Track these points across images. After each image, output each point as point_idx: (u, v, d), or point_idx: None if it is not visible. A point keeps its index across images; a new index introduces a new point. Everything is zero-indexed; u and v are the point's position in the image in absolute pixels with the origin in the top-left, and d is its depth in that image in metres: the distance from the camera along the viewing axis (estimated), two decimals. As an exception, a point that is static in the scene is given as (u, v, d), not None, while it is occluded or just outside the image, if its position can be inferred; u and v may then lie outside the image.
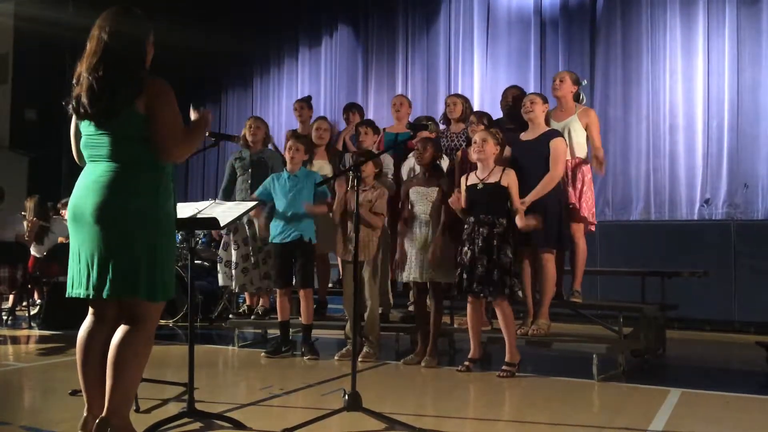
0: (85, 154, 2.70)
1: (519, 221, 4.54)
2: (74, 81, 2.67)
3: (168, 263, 2.68)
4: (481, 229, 4.62)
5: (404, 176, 5.62)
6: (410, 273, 4.96)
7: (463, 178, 4.89)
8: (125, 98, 2.58)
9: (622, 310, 5.10)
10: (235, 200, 5.83)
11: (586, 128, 5.11)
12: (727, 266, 7.28)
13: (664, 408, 3.72)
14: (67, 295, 2.69)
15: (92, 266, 2.59)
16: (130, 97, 2.58)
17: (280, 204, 5.26)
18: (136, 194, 2.60)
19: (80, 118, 2.66)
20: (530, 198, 4.70)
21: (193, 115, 2.92)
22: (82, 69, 2.65)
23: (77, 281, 2.64)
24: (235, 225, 5.94)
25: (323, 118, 6.24)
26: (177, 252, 7.72)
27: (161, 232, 2.64)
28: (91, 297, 2.61)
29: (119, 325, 2.69)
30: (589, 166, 5.18)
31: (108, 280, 2.57)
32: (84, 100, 2.60)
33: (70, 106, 2.67)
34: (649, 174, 8.40)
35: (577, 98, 5.26)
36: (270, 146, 6.32)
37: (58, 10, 10.49)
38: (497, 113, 5.82)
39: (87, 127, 2.66)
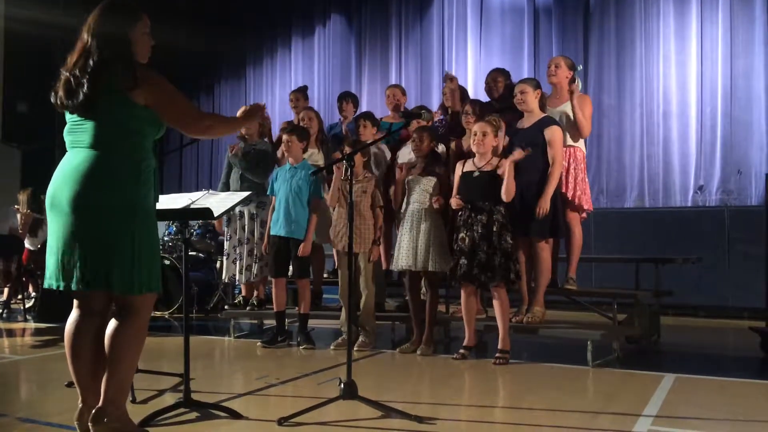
0: (66, 140, 2.69)
1: (514, 156, 4.60)
2: (60, 76, 2.67)
3: (146, 256, 2.62)
4: (479, 216, 4.63)
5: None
6: (404, 262, 4.96)
7: (459, 164, 4.89)
8: (108, 93, 2.57)
9: (617, 296, 5.13)
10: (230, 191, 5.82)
11: (579, 107, 5.08)
12: (720, 252, 7.32)
13: (659, 393, 3.75)
14: (44, 286, 2.68)
15: (66, 257, 2.57)
16: (117, 90, 2.57)
17: (280, 194, 5.28)
18: (114, 184, 2.58)
19: (60, 109, 2.68)
20: (546, 200, 4.70)
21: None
22: (64, 67, 2.66)
23: (52, 272, 2.61)
24: (228, 216, 5.95)
25: (308, 108, 6.21)
26: (171, 243, 7.72)
27: (138, 224, 2.60)
28: (62, 288, 2.58)
29: (107, 316, 2.69)
30: (584, 153, 5.18)
31: (80, 272, 2.55)
32: (61, 93, 2.63)
33: (51, 99, 2.68)
34: (643, 161, 8.43)
35: (572, 83, 5.23)
36: (266, 138, 6.30)
37: (49, 2, 10.41)
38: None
39: (71, 114, 2.66)
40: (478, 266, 4.58)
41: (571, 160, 5.07)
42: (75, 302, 2.72)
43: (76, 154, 2.63)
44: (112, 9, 2.70)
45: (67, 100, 2.60)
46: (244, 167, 5.92)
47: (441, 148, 5.34)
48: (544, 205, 4.72)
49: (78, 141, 2.64)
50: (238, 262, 5.99)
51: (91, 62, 2.59)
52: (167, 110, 2.69)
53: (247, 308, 6.06)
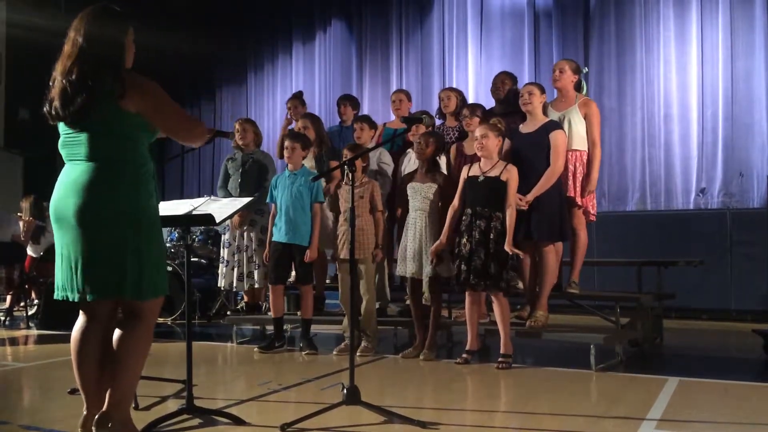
0: (63, 153, 2.68)
1: (507, 246, 4.53)
2: (50, 83, 2.65)
3: (154, 261, 2.64)
4: (478, 221, 4.62)
5: (402, 171, 5.62)
6: (408, 268, 4.95)
7: (465, 168, 4.87)
8: (102, 100, 2.56)
9: (619, 300, 5.13)
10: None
11: (585, 118, 5.07)
12: (723, 255, 7.30)
13: (662, 396, 3.74)
14: (55, 297, 2.68)
15: (76, 268, 2.57)
16: (109, 98, 2.56)
17: (281, 201, 5.28)
18: (117, 194, 2.58)
19: (53, 120, 2.65)
20: (533, 195, 4.71)
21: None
22: (56, 72, 2.63)
23: (63, 283, 2.63)
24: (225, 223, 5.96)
25: (305, 116, 6.17)
26: (173, 249, 7.72)
27: (144, 230, 2.62)
28: (77, 300, 2.60)
29: (113, 323, 2.69)
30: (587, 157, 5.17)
31: (92, 282, 2.56)
32: (56, 103, 2.59)
33: (45, 109, 2.65)
34: (644, 164, 8.43)
35: (578, 87, 5.19)
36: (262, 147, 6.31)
37: (50, 9, 10.44)
38: (492, 105, 5.82)
39: (65, 127, 2.65)
40: (474, 272, 4.57)
41: (578, 164, 5.05)
42: (81, 309, 2.72)
43: (74, 167, 2.63)
44: (106, 15, 2.68)
45: (63, 109, 2.57)
46: (241, 175, 5.94)
47: (442, 158, 5.29)
48: (528, 198, 4.69)
49: (74, 154, 2.63)
50: (236, 269, 5.99)
51: (87, 69, 2.57)
52: (157, 118, 2.66)
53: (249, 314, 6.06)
